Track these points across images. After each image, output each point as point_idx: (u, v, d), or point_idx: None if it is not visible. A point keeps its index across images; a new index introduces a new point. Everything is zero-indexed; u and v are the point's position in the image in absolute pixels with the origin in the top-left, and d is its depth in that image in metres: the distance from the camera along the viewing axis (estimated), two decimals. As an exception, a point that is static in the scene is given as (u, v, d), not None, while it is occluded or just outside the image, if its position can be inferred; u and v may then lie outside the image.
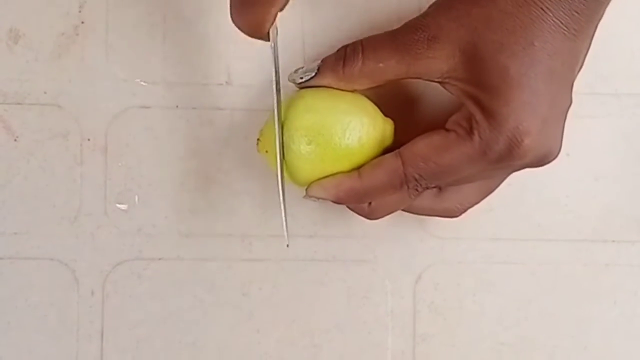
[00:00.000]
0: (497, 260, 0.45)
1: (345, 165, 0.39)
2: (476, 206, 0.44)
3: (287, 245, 0.40)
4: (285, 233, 0.39)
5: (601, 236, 0.45)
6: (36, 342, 0.44)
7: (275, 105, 0.38)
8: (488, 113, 0.36)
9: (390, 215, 0.44)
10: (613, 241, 0.45)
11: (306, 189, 0.40)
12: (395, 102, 0.42)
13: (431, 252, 0.45)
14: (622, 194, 0.45)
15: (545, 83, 0.35)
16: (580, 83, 0.44)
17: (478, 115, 0.36)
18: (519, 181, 0.45)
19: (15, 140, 0.44)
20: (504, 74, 0.35)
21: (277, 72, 0.38)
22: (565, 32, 0.35)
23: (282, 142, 0.39)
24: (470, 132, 0.36)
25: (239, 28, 0.36)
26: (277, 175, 0.39)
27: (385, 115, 0.40)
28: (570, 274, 0.45)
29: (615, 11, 0.45)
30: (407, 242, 0.45)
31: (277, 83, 0.38)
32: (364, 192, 0.39)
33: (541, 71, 0.35)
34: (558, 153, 0.38)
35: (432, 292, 0.45)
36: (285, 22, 0.43)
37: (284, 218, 0.39)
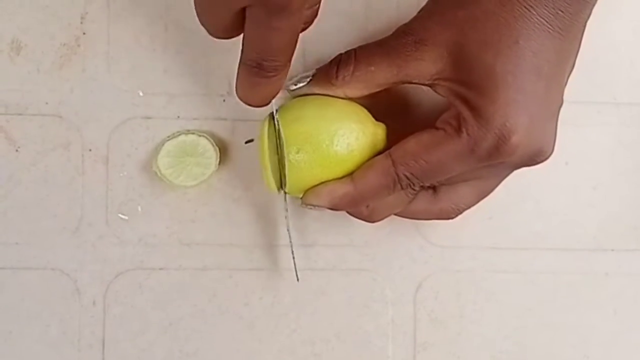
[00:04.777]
0: (496, 269, 0.45)
1: (337, 171, 0.39)
2: (476, 215, 0.44)
3: (298, 280, 0.42)
4: (295, 269, 0.42)
5: (601, 245, 0.45)
6: (38, 352, 0.44)
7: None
8: (475, 111, 0.36)
9: (390, 224, 0.44)
10: (612, 250, 0.45)
11: (301, 198, 0.40)
12: (388, 108, 0.42)
13: (431, 261, 0.45)
14: (621, 203, 0.45)
15: (532, 81, 0.36)
16: (579, 92, 0.45)
17: (466, 113, 0.36)
18: (518, 190, 0.45)
19: (16, 150, 0.44)
20: (490, 72, 0.36)
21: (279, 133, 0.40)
22: (550, 30, 0.36)
23: (284, 168, 0.39)
24: (458, 129, 0.37)
25: (246, 102, 0.38)
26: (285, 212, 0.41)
27: (379, 121, 0.41)
28: (570, 283, 0.45)
29: (614, 20, 0.45)
30: (407, 250, 0.45)
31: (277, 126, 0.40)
32: (359, 196, 0.39)
33: (527, 69, 0.36)
34: (551, 152, 0.38)
35: (432, 300, 0.45)
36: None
37: (292, 255, 0.42)
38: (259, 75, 0.35)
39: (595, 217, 0.45)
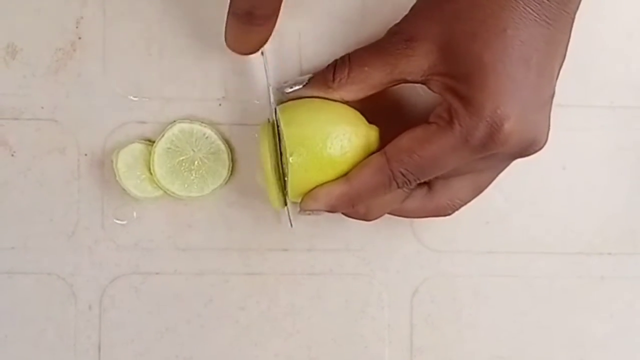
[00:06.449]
0: (493, 273, 0.45)
1: (331, 174, 0.39)
2: (472, 219, 0.44)
3: (291, 226, 0.41)
4: (289, 215, 0.41)
5: (597, 249, 0.45)
6: (34, 357, 0.44)
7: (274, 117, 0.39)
8: (466, 101, 0.36)
9: (386, 228, 0.44)
10: (609, 254, 0.45)
11: (299, 204, 0.40)
12: (382, 111, 0.42)
13: (428, 265, 0.45)
14: (618, 207, 0.45)
15: (521, 69, 0.36)
16: (575, 95, 0.45)
17: (456, 104, 0.36)
18: (515, 194, 0.45)
19: (12, 155, 0.44)
20: (478, 61, 0.36)
21: (268, 85, 0.41)
22: (537, 18, 0.36)
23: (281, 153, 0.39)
24: (450, 121, 0.37)
25: (236, 51, 0.39)
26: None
27: (372, 123, 0.41)
28: (566, 287, 0.45)
29: (609, 23, 0.45)
30: (403, 255, 0.45)
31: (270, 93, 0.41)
32: (356, 195, 0.39)
33: (516, 57, 0.36)
34: (545, 142, 0.38)
35: (428, 305, 0.45)
36: (282, 36, 0.43)
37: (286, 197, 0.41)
38: (249, 23, 0.37)
39: (592, 220, 0.45)
